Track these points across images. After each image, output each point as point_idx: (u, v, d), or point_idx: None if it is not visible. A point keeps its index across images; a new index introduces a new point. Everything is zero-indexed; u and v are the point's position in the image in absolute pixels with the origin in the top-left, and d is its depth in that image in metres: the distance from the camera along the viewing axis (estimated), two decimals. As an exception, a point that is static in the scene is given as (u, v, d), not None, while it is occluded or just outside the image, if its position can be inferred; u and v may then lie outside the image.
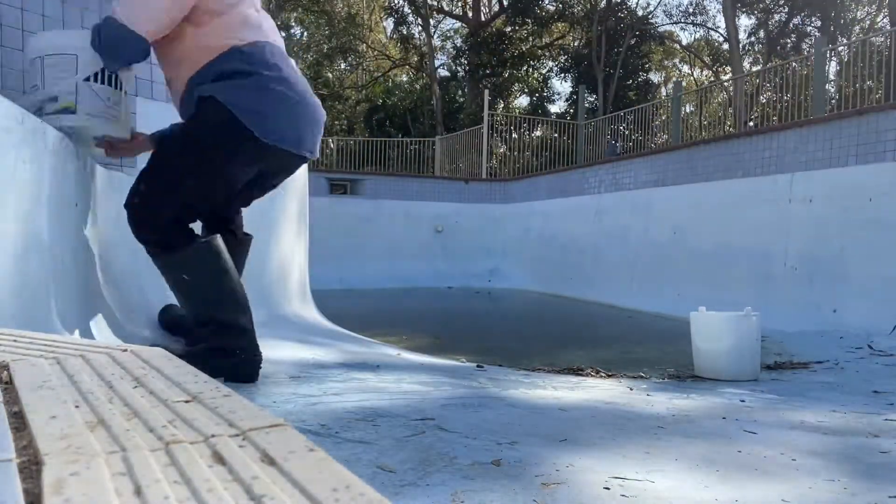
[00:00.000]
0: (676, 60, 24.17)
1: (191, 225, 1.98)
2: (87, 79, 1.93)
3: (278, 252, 3.55)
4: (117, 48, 1.87)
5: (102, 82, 1.95)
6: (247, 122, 1.85)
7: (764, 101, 11.17)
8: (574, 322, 6.25)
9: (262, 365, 2.00)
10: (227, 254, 1.96)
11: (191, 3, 1.84)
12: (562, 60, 21.82)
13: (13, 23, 2.24)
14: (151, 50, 1.93)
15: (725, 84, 16.75)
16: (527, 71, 21.65)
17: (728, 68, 20.26)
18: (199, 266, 1.92)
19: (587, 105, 17.83)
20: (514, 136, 13.57)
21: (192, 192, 1.92)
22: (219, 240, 1.95)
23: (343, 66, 23.39)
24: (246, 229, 2.38)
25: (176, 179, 1.90)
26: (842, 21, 18.72)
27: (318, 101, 2.09)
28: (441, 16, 22.30)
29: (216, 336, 1.93)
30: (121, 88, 2.03)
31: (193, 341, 2.14)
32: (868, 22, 19.06)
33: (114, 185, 2.51)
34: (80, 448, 0.42)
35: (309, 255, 4.09)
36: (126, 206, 1.91)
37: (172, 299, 2.35)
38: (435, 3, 21.36)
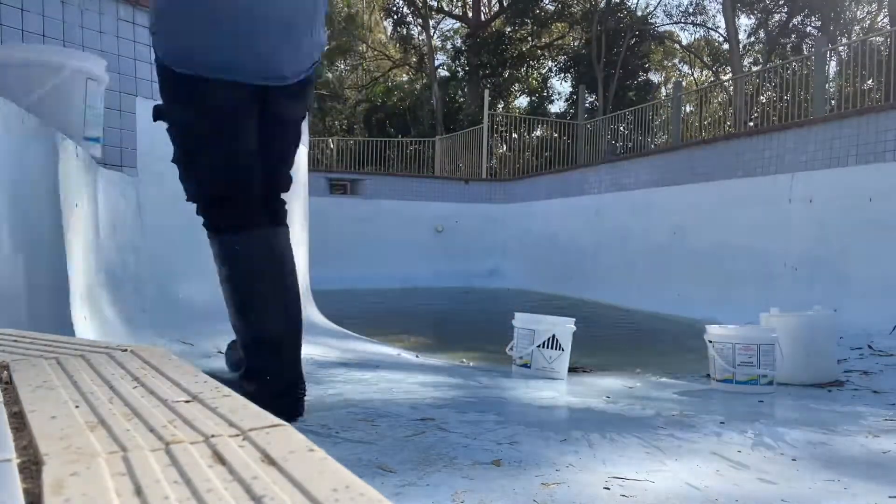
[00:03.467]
0: (676, 60, 24.16)
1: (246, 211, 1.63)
2: None
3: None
4: None
5: None
6: (185, 69, 1.49)
7: (764, 101, 11.17)
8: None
9: (304, 397, 1.62)
10: (273, 250, 1.66)
11: None
12: (561, 60, 21.81)
13: (13, 23, 2.24)
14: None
15: (725, 84, 16.74)
16: (527, 71, 21.64)
17: (728, 68, 20.26)
18: (230, 258, 1.61)
19: (587, 105, 17.83)
20: (514, 136, 13.57)
21: (204, 170, 1.61)
22: (258, 231, 1.64)
23: (343, 66, 23.38)
24: None
25: (189, 161, 1.61)
26: (842, 21, 18.72)
27: None
28: (441, 16, 22.30)
29: (247, 356, 1.60)
30: None
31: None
32: (868, 22, 19.06)
33: (114, 185, 2.51)
34: (80, 448, 0.42)
35: (309, 255, 4.09)
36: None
37: (169, 302, 2.35)
38: (435, 4, 21.36)
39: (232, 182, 1.64)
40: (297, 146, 1.85)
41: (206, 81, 1.50)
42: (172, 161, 1.64)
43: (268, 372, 1.56)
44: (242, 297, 1.61)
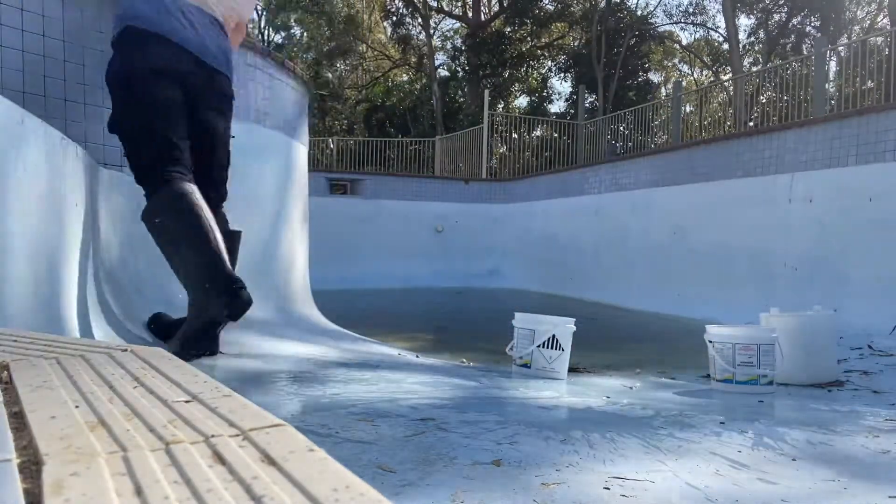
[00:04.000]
0: (676, 60, 24.15)
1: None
2: None
3: (283, 253, 3.55)
4: None
5: None
6: (135, 23, 2.05)
7: (764, 101, 11.17)
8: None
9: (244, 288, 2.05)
10: (197, 197, 2.04)
11: None
12: (561, 60, 21.81)
13: (13, 23, 2.24)
14: None
15: (725, 84, 16.74)
16: (526, 71, 21.64)
17: (728, 68, 20.25)
18: (170, 207, 2.00)
19: (587, 105, 17.83)
20: (514, 136, 13.56)
21: (136, 130, 2.08)
22: (182, 181, 2.05)
23: (343, 66, 23.37)
24: (250, 231, 2.38)
25: (126, 124, 2.09)
26: (842, 21, 18.71)
27: None
28: (441, 16, 22.29)
29: (200, 279, 2.00)
30: None
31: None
32: (868, 22, 19.06)
33: (114, 185, 2.51)
34: (80, 448, 0.42)
35: (309, 255, 4.09)
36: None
37: (169, 302, 2.36)
38: (434, 3, 21.36)
39: (161, 135, 2.18)
40: None
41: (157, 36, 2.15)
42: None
43: (211, 279, 1.97)
44: (185, 235, 2.01)
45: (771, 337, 2.50)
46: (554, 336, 2.63)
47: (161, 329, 2.37)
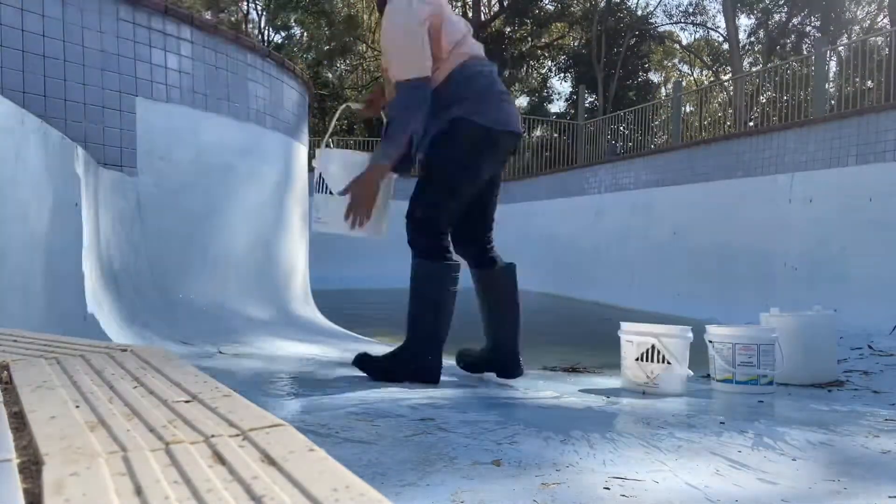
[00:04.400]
0: (676, 60, 24.16)
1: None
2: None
3: (285, 253, 3.55)
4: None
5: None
6: (484, 122, 2.16)
7: (764, 101, 11.17)
8: (574, 322, 6.25)
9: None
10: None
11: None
12: (561, 60, 21.81)
13: (13, 23, 2.24)
14: None
15: (725, 84, 16.75)
16: (526, 71, 21.64)
17: (728, 68, 20.26)
18: (443, 280, 2.22)
19: (587, 105, 17.83)
20: (514, 136, 13.54)
21: (459, 202, 2.24)
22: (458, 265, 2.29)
23: (343, 66, 23.38)
24: (251, 231, 2.38)
25: (449, 193, 2.21)
26: (842, 21, 18.72)
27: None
28: (441, 16, 22.27)
29: (422, 344, 2.20)
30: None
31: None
32: (868, 22, 19.06)
33: (114, 186, 2.51)
34: (80, 448, 0.42)
35: (309, 255, 4.09)
36: (408, 216, 2.23)
37: (169, 302, 2.36)
38: (435, 3, 21.33)
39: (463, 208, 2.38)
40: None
41: (498, 132, 2.24)
42: (422, 201, 2.26)
43: (433, 354, 2.21)
44: (441, 310, 2.25)
45: (771, 337, 2.48)
46: (654, 347, 2.30)
47: (369, 363, 2.33)
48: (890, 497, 1.25)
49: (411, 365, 2.18)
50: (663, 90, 22.14)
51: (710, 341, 2.54)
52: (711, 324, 2.70)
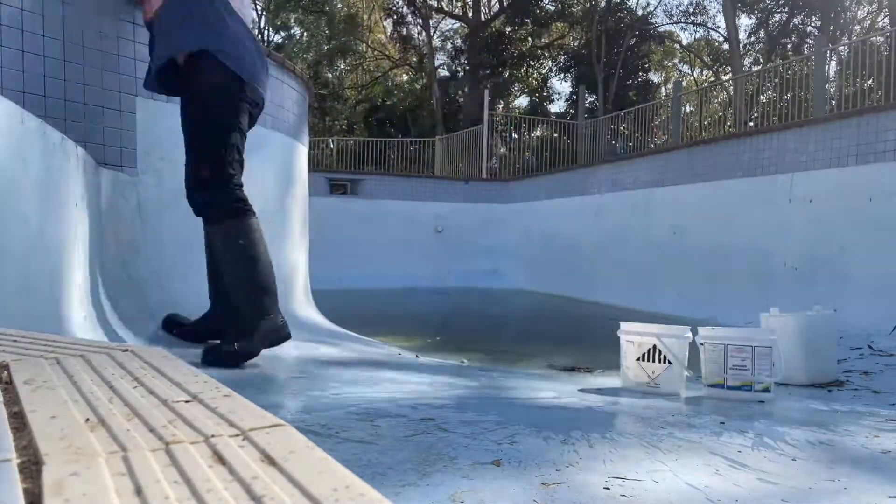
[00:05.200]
0: (676, 60, 24.16)
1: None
2: None
3: (285, 253, 3.55)
4: None
5: None
6: (237, 70, 2.13)
7: (764, 101, 11.17)
8: (574, 322, 6.25)
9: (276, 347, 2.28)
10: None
11: None
12: (561, 60, 21.81)
13: (13, 23, 2.24)
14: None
15: (725, 84, 16.74)
16: (526, 71, 21.65)
17: (728, 68, 20.25)
18: (253, 234, 2.18)
19: (587, 105, 17.83)
20: (514, 136, 13.56)
21: (230, 150, 2.19)
22: (253, 214, 2.27)
23: (343, 66, 23.38)
24: None
25: (215, 141, 2.16)
26: (842, 21, 18.71)
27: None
28: (441, 16, 22.29)
29: (262, 304, 2.18)
30: None
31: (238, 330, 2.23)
32: (868, 22, 19.06)
33: (114, 185, 2.51)
34: (80, 448, 0.42)
35: (309, 255, 4.09)
36: (186, 178, 2.16)
37: (169, 302, 2.36)
38: (435, 3, 21.35)
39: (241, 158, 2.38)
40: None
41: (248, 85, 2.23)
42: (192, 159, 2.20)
43: (276, 312, 2.21)
44: (264, 262, 2.20)
45: (769, 339, 2.31)
46: (655, 347, 2.30)
47: (173, 325, 2.45)
48: (890, 497, 1.25)
49: (261, 333, 2.17)
50: (663, 90, 22.13)
51: (701, 343, 2.41)
52: (711, 324, 2.69)
